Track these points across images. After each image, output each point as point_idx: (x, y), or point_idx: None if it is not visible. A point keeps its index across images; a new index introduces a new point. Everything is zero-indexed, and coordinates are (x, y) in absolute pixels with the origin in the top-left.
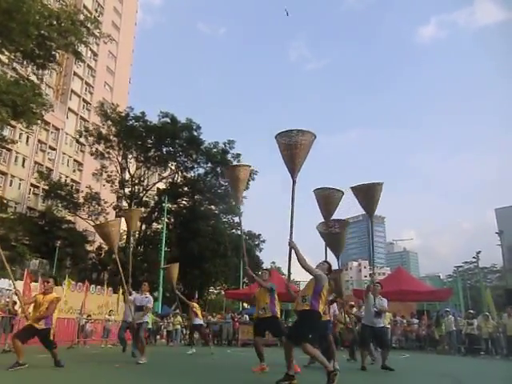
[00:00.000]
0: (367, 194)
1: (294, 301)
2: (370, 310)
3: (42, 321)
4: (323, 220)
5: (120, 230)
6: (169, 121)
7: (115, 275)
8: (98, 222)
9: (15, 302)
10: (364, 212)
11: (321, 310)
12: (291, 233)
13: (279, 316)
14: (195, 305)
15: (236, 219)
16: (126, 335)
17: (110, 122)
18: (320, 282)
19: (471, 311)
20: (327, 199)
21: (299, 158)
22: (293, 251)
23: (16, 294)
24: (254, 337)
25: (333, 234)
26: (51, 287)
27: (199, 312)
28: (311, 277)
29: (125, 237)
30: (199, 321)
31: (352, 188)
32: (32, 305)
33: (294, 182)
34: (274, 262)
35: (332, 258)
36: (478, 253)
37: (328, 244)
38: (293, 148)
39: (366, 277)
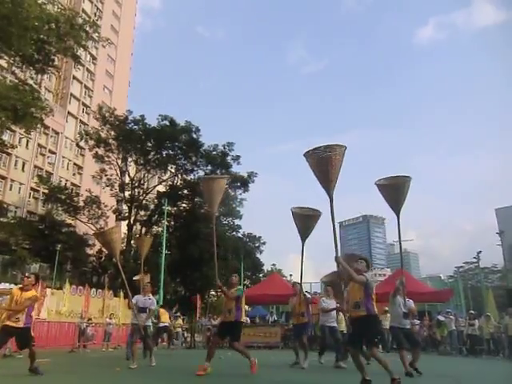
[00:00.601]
0: (394, 190)
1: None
2: (398, 311)
3: (20, 319)
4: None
5: (121, 235)
6: (168, 124)
7: (116, 279)
8: (98, 226)
9: None
10: (391, 209)
11: (375, 310)
12: (336, 250)
13: (242, 321)
14: (161, 310)
15: (236, 221)
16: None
17: (108, 126)
18: (370, 285)
19: (472, 312)
20: (304, 219)
21: (334, 175)
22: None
23: None
24: (214, 337)
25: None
26: (31, 283)
27: (163, 316)
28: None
29: (125, 240)
30: (161, 324)
31: (378, 184)
32: (8, 299)
33: (331, 200)
34: (274, 264)
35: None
36: (479, 253)
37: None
38: (325, 165)
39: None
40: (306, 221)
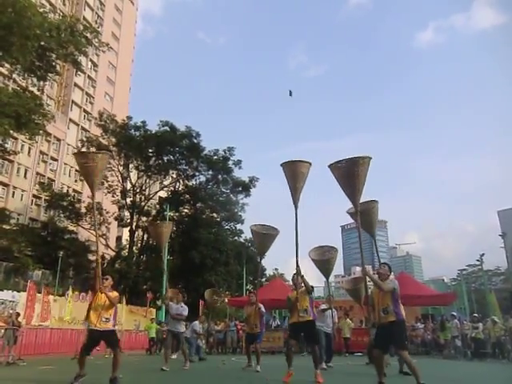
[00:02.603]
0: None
1: None
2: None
3: (109, 320)
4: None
5: (170, 232)
6: (168, 129)
7: (118, 285)
8: (100, 232)
9: (18, 314)
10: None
11: (403, 313)
12: (362, 261)
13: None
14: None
15: (238, 226)
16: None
17: (109, 133)
18: (396, 291)
19: (476, 315)
20: (262, 237)
21: (360, 186)
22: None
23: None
24: (288, 341)
25: (324, 260)
26: (110, 284)
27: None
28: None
29: (127, 246)
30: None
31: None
32: (92, 306)
33: (357, 211)
34: (276, 269)
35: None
36: (482, 255)
37: (320, 268)
38: (351, 177)
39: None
40: (263, 239)
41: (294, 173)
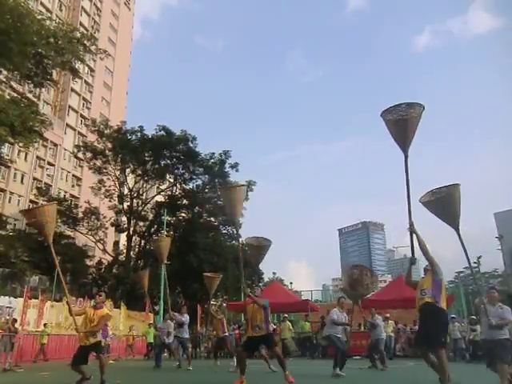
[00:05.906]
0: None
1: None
2: (485, 321)
3: (96, 335)
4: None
5: (169, 245)
6: (164, 134)
7: (116, 290)
8: (97, 237)
9: (15, 320)
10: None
11: (444, 307)
12: (409, 214)
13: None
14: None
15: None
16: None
17: (104, 138)
18: (438, 274)
19: (473, 317)
20: (256, 250)
21: (411, 132)
22: (414, 236)
23: (67, 304)
24: (241, 351)
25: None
26: (102, 301)
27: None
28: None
29: (125, 251)
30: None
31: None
32: (81, 318)
33: (406, 157)
34: (274, 273)
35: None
36: (479, 258)
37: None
38: (402, 123)
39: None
40: (257, 251)
41: (232, 197)
